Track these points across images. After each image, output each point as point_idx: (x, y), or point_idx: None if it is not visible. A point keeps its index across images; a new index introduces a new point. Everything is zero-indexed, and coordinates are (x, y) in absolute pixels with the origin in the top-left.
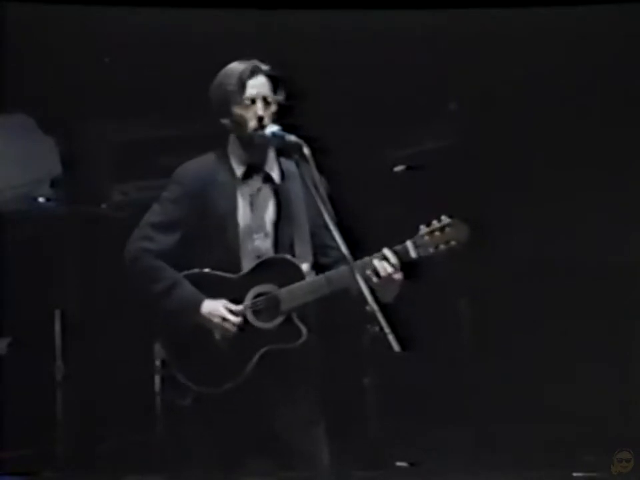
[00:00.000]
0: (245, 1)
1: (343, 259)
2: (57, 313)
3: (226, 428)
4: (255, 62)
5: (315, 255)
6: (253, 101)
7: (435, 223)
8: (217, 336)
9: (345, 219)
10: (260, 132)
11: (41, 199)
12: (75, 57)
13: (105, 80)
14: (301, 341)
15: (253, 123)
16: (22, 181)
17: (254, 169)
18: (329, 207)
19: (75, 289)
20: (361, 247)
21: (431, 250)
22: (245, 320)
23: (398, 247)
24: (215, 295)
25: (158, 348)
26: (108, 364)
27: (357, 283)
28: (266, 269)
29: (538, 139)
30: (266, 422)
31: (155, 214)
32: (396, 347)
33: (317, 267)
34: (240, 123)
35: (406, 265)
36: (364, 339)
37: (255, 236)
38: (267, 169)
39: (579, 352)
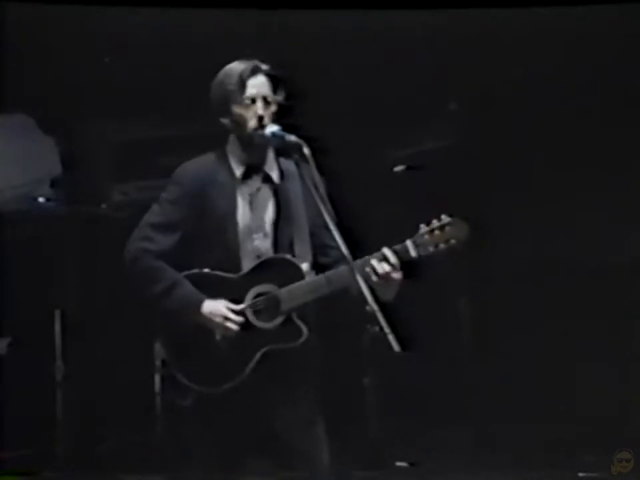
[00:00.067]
0: (245, 1)
1: (342, 258)
2: (57, 313)
3: (226, 428)
4: (255, 62)
5: (314, 254)
6: (253, 101)
7: (435, 222)
8: (218, 336)
9: (345, 219)
10: (260, 132)
11: (41, 199)
12: (75, 57)
13: (105, 80)
14: (301, 340)
15: (252, 123)
16: (22, 181)
17: (253, 169)
18: (329, 206)
19: (75, 289)
20: (361, 247)
21: (431, 249)
22: (245, 320)
23: (398, 246)
24: (215, 295)
25: (158, 348)
26: (108, 364)
27: (357, 283)
28: (266, 268)
29: (538, 139)
30: (266, 422)
31: (154, 214)
32: (396, 347)
33: (317, 267)
34: (240, 123)
35: (406, 264)
36: (364, 339)
37: (255, 236)
38: (267, 169)
39: (579, 352)
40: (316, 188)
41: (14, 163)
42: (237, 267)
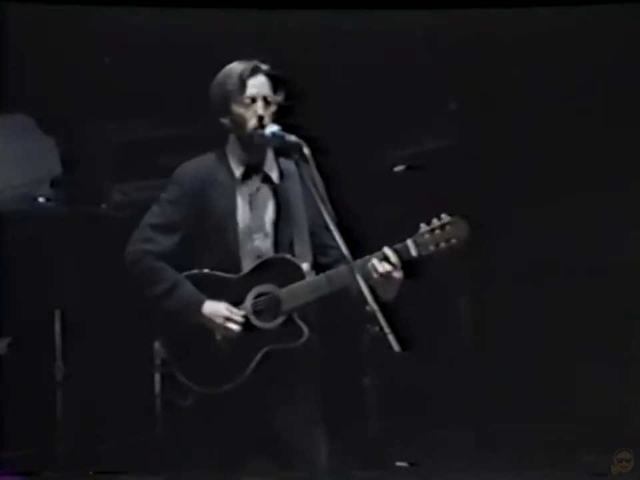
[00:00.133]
0: (245, 1)
1: (342, 258)
2: (57, 313)
3: (226, 428)
4: (256, 62)
5: (314, 254)
6: (253, 100)
7: (435, 221)
8: (218, 336)
9: (345, 219)
10: (259, 131)
11: (40, 199)
12: (75, 57)
13: (105, 80)
14: (302, 340)
15: (252, 122)
16: (22, 181)
17: (253, 169)
18: (329, 206)
19: (75, 289)
20: (361, 247)
21: (432, 248)
22: (246, 320)
23: (398, 246)
24: (215, 296)
25: (158, 348)
26: (108, 364)
27: (357, 282)
28: (266, 268)
29: (538, 139)
30: (266, 422)
31: (154, 215)
32: (396, 347)
33: (317, 267)
34: (239, 123)
35: (406, 263)
36: (364, 339)
37: (255, 236)
38: (266, 169)
39: (579, 352)
40: (316, 188)
41: (14, 163)
42: (237, 267)
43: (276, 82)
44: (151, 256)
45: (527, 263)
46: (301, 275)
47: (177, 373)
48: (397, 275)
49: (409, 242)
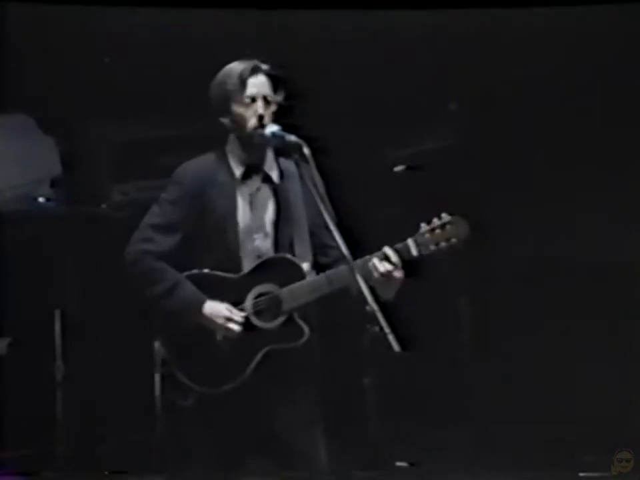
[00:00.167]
0: (245, 0)
1: (342, 258)
2: (57, 313)
3: (226, 428)
4: (256, 61)
5: (314, 254)
6: (254, 100)
7: (436, 221)
8: (219, 337)
9: (345, 219)
10: (259, 131)
11: (41, 199)
12: (75, 57)
13: (105, 80)
14: (303, 340)
15: (253, 122)
16: (22, 181)
17: (253, 168)
18: (329, 206)
19: (75, 289)
20: (361, 247)
21: (432, 247)
22: (247, 320)
23: (399, 245)
24: (216, 296)
25: (158, 348)
26: (108, 364)
27: (357, 282)
28: (267, 268)
29: (538, 139)
30: (266, 422)
31: (154, 215)
32: (396, 347)
33: (317, 267)
34: (239, 122)
35: (407, 263)
36: (364, 339)
37: (255, 236)
38: (266, 168)
39: (579, 352)
40: (316, 188)
41: (14, 163)
42: (237, 267)
43: (276, 81)
44: (151, 256)
45: (527, 262)
46: (301, 275)
47: (178, 373)
48: (398, 274)
49: (410, 241)
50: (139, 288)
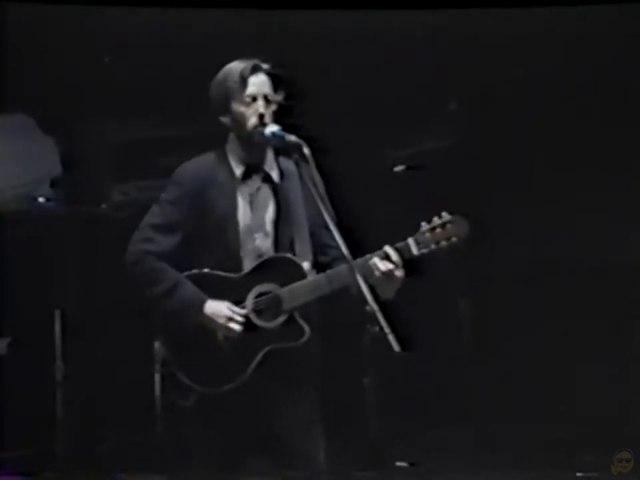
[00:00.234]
0: (245, 0)
1: (342, 256)
2: (57, 313)
3: (226, 428)
4: (256, 60)
5: (314, 253)
6: (254, 99)
7: (436, 220)
8: (220, 337)
9: (345, 218)
10: (259, 130)
11: (41, 199)
12: (75, 57)
13: (105, 80)
14: (303, 339)
15: (253, 121)
16: (22, 181)
17: (253, 168)
18: (329, 206)
19: (75, 289)
20: (361, 247)
21: (433, 246)
22: (248, 320)
23: (400, 244)
24: (216, 295)
25: (158, 348)
26: (108, 364)
27: (357, 282)
28: (267, 268)
29: (538, 139)
30: (267, 422)
31: (154, 215)
32: (396, 347)
33: (317, 266)
34: (239, 121)
35: (407, 262)
36: (364, 339)
37: (255, 235)
38: (266, 168)
39: (579, 352)
40: (316, 188)
41: (14, 163)
42: (238, 266)
43: (277, 81)
44: (152, 256)
45: (527, 262)
46: (301, 274)
47: (178, 373)
48: (399, 273)
49: (410, 240)
50: (139, 288)
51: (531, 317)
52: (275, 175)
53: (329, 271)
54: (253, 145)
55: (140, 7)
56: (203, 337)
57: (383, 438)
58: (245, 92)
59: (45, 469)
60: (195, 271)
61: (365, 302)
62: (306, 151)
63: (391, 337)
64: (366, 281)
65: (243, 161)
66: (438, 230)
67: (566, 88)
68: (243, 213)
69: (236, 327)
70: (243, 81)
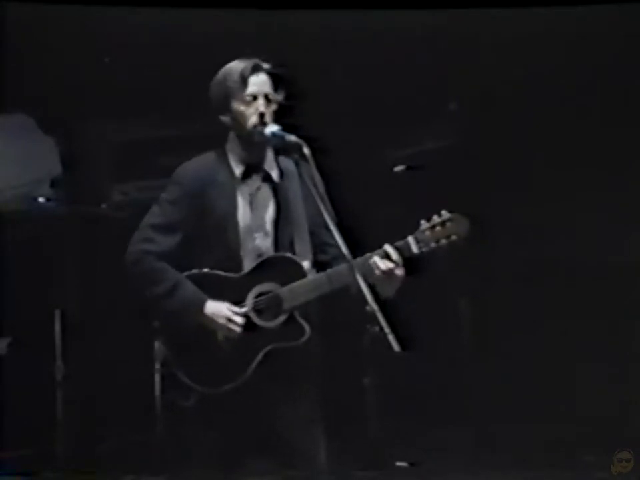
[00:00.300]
0: (245, 0)
1: (342, 255)
2: (57, 313)
3: (227, 428)
4: (257, 60)
5: (314, 253)
6: (254, 98)
7: (436, 218)
8: (220, 337)
9: (345, 218)
10: (259, 129)
11: (41, 199)
12: (75, 57)
13: (105, 80)
14: (304, 338)
15: (253, 120)
16: (22, 181)
17: (253, 168)
18: (329, 206)
19: (75, 289)
20: (361, 247)
21: (433, 245)
22: (248, 320)
23: (400, 243)
24: (217, 295)
25: (158, 348)
26: (108, 364)
27: (357, 281)
28: (267, 267)
29: (538, 139)
30: (267, 421)
31: (154, 215)
32: (396, 347)
33: (317, 265)
34: (240, 121)
35: (407, 261)
36: (364, 339)
37: (255, 235)
38: (266, 167)
39: (579, 352)
40: (315, 187)
41: (14, 163)
42: (238, 266)
43: (277, 80)
44: (152, 256)
45: (527, 262)
46: (301, 274)
47: (179, 373)
48: (399, 272)
49: (410, 239)
50: (139, 288)
51: (531, 316)
52: (274, 174)
53: (329, 270)
54: (252, 144)
55: (140, 7)
56: (203, 337)
57: (383, 438)
58: (245, 91)
59: (45, 468)
60: (195, 271)
61: (365, 301)
62: (306, 150)
63: (390, 337)
64: (366, 280)
65: (243, 161)
66: (438, 228)
67: (566, 88)
68: (243, 212)
69: (236, 327)
70: (244, 80)
